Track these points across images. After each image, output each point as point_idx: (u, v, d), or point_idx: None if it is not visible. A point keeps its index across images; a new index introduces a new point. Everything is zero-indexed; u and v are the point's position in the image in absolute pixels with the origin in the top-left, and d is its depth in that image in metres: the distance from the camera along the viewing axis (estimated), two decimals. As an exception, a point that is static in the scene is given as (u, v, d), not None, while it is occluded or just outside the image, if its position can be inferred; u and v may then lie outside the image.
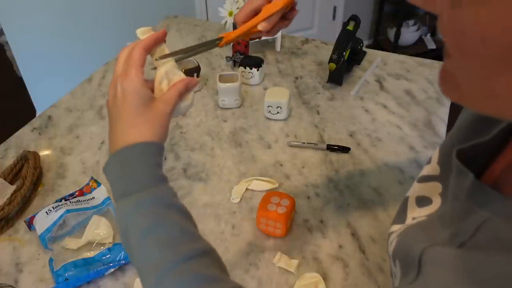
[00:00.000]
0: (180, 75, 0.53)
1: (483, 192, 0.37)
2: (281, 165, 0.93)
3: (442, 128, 1.02)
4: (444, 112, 1.07)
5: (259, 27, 0.60)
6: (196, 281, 0.42)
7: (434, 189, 0.50)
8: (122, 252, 0.72)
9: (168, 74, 0.53)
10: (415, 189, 0.53)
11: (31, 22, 2.02)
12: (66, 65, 2.16)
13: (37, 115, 1.14)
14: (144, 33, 0.54)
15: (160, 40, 0.53)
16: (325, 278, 0.71)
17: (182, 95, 0.52)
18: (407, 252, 0.41)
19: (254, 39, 0.64)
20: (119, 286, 0.71)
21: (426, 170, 0.53)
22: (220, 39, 0.59)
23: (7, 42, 2.23)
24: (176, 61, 0.54)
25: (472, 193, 0.38)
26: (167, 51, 0.54)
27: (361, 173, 0.91)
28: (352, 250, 0.75)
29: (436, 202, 0.49)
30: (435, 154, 0.53)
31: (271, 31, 0.62)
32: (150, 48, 0.53)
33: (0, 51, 2.84)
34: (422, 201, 0.51)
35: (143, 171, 0.48)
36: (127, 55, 0.52)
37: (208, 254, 0.46)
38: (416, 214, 0.50)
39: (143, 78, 0.51)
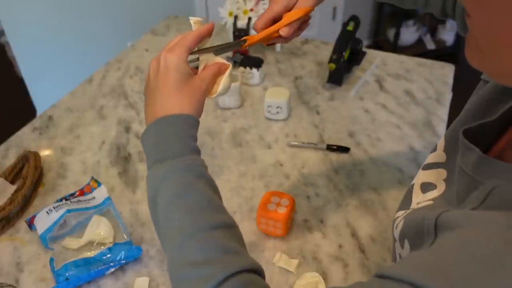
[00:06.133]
0: (217, 60, 0.58)
1: (489, 164, 0.40)
2: (281, 165, 0.93)
3: (441, 128, 1.02)
4: (444, 112, 1.07)
5: (281, 32, 0.62)
6: (216, 249, 0.43)
7: (439, 175, 0.52)
8: (123, 252, 0.73)
9: (208, 61, 0.58)
10: (420, 176, 0.55)
11: (32, 23, 2.02)
12: (66, 65, 2.16)
13: (37, 115, 1.15)
14: (195, 22, 0.58)
15: (211, 31, 0.57)
16: (325, 278, 0.71)
17: (215, 75, 0.56)
18: (418, 225, 0.42)
19: (271, 44, 0.68)
20: (120, 286, 0.71)
21: (431, 158, 0.55)
22: (244, 41, 0.62)
23: (7, 43, 2.24)
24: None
25: (479, 167, 0.41)
26: (208, 45, 0.59)
27: (361, 173, 0.91)
28: (352, 250, 0.76)
29: (440, 188, 0.50)
30: (440, 142, 0.55)
31: (290, 37, 0.65)
32: (203, 37, 0.56)
33: (0, 51, 2.84)
34: (427, 187, 0.52)
35: (179, 140, 0.50)
36: (180, 37, 0.55)
37: (231, 227, 0.48)
38: (420, 199, 0.52)
39: (187, 58, 0.54)
